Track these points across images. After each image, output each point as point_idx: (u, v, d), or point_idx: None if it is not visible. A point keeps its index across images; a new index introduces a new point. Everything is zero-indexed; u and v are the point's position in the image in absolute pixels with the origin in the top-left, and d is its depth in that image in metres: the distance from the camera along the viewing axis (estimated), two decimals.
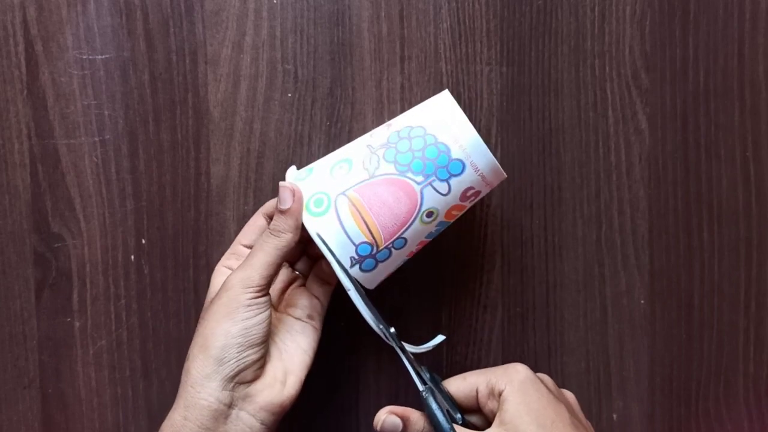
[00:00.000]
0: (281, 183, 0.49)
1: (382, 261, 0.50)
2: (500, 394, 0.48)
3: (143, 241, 0.57)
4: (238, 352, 0.46)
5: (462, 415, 0.50)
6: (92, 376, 0.57)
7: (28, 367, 0.57)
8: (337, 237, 0.48)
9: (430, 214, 0.49)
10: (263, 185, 0.57)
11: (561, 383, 0.55)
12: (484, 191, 0.50)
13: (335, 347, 0.56)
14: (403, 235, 0.49)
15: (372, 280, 0.51)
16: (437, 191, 0.48)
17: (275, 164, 0.57)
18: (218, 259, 0.52)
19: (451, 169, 0.48)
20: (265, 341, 0.48)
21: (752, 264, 0.58)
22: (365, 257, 0.49)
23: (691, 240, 0.58)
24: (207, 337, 0.46)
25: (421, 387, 0.48)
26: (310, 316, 0.52)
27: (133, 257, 0.57)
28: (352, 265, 0.49)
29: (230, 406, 0.46)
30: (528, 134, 0.56)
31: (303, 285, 0.54)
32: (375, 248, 0.49)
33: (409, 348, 0.50)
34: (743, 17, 0.57)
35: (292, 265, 0.54)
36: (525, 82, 0.57)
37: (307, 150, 0.57)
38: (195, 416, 0.45)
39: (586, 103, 0.57)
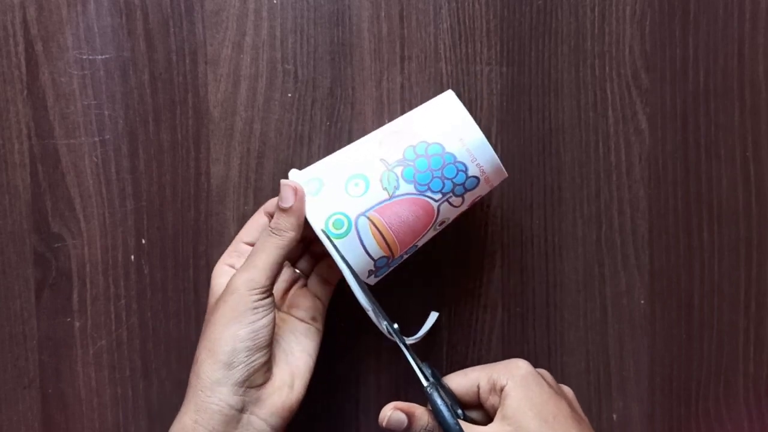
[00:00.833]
0: (283, 181, 0.49)
1: (394, 266, 0.52)
2: (502, 390, 0.48)
3: (143, 241, 0.57)
4: (246, 356, 0.46)
5: (463, 411, 0.50)
6: (92, 376, 0.57)
7: (28, 367, 0.57)
8: (358, 257, 0.49)
9: (442, 223, 0.51)
10: (263, 185, 0.57)
11: (561, 383, 0.55)
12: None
13: (335, 347, 0.56)
14: (416, 244, 0.51)
15: (378, 280, 0.52)
16: (452, 205, 0.50)
17: (275, 164, 0.57)
18: (218, 259, 0.52)
19: (467, 185, 0.50)
20: (271, 343, 0.48)
21: (752, 264, 0.58)
22: (381, 267, 0.51)
23: (691, 240, 0.58)
24: (215, 341, 0.46)
25: (425, 382, 0.48)
26: (313, 318, 0.52)
27: (133, 257, 0.57)
28: (368, 276, 0.50)
29: (242, 410, 0.46)
30: (528, 134, 0.56)
31: (305, 285, 0.54)
32: (391, 259, 0.50)
33: (408, 340, 0.50)
34: (743, 17, 0.57)
35: (293, 264, 0.54)
36: (525, 82, 0.57)
37: (307, 150, 0.57)
38: (206, 420, 0.45)
39: (586, 103, 0.57)
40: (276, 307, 0.49)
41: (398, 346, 0.49)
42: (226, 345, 0.46)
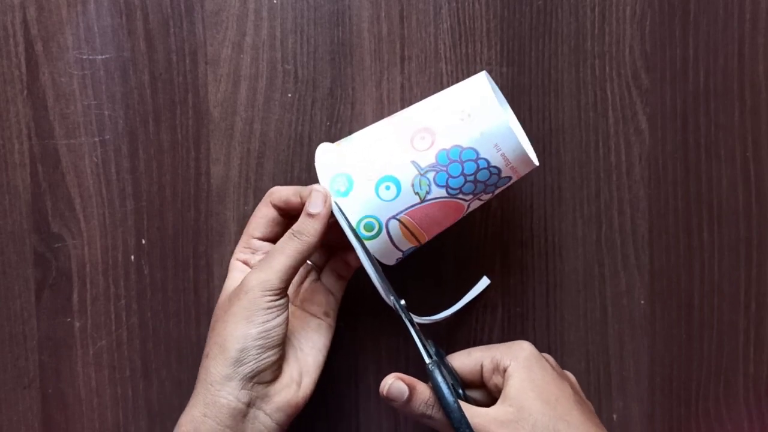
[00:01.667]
0: (315, 186, 0.49)
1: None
2: (505, 370, 0.48)
3: (143, 241, 0.57)
4: (257, 354, 0.46)
5: (464, 391, 0.50)
6: (92, 376, 0.57)
7: (28, 367, 0.57)
8: (387, 251, 0.50)
9: (468, 213, 0.52)
10: (263, 185, 0.57)
11: None
12: None
13: (335, 347, 0.56)
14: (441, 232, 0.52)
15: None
16: (481, 200, 0.51)
17: (275, 164, 0.57)
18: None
19: (499, 184, 0.50)
20: (284, 342, 0.48)
21: (752, 264, 0.58)
22: (408, 255, 0.52)
23: (691, 240, 0.58)
24: (226, 338, 0.46)
25: (427, 359, 0.48)
26: (326, 313, 0.52)
27: (133, 257, 0.57)
28: (395, 262, 0.52)
29: (249, 405, 0.46)
30: (528, 134, 0.56)
31: (318, 279, 0.54)
32: (418, 246, 0.52)
33: (418, 320, 0.51)
34: (743, 17, 0.57)
35: None
36: (525, 82, 0.57)
37: (307, 150, 0.57)
38: (215, 413, 0.46)
39: (586, 103, 0.57)
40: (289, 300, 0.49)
41: (403, 322, 0.50)
42: (237, 343, 0.46)
